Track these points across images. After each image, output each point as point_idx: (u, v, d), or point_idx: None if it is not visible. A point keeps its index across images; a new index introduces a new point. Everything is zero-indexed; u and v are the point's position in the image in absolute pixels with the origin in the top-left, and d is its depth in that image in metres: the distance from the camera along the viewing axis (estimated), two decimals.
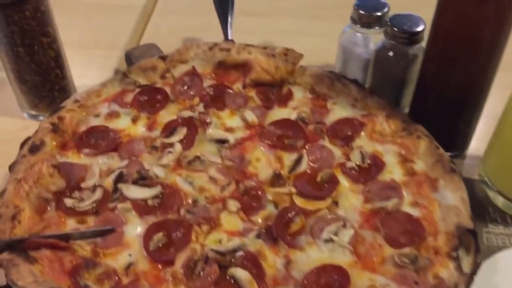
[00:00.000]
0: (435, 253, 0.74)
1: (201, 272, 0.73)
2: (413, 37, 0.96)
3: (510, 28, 0.84)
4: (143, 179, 0.85)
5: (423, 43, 0.97)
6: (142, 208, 0.82)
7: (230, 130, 0.95)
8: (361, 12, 1.01)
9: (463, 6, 0.82)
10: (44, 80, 1.01)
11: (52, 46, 0.98)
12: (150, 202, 0.82)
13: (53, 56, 0.99)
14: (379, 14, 1.01)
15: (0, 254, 0.72)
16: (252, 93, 1.02)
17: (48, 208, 0.81)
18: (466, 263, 0.72)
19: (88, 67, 1.20)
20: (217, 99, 1.00)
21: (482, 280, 0.75)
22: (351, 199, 0.83)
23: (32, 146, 0.87)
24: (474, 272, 0.71)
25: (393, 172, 0.86)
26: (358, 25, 1.03)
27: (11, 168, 0.84)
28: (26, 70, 0.98)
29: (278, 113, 0.98)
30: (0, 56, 0.98)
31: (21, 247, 0.73)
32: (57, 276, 0.71)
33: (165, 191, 0.84)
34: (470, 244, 0.74)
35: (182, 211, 0.81)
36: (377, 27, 1.02)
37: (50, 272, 0.71)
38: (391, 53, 0.99)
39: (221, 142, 0.92)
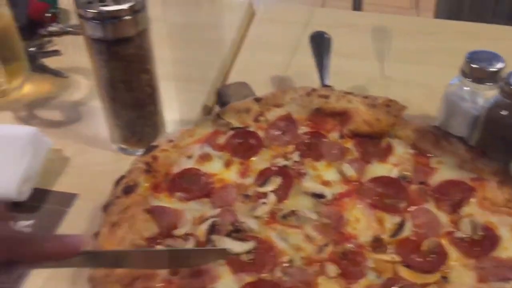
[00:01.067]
0: None
1: None
2: None
3: None
4: (237, 232, 0.81)
5: None
6: (235, 263, 0.78)
7: (326, 183, 0.90)
8: (474, 66, 0.94)
9: None
10: (139, 116, 1.00)
11: (150, 83, 0.97)
12: (243, 257, 0.78)
13: (149, 93, 0.98)
14: (494, 69, 0.93)
15: None
16: (350, 144, 0.96)
17: None
18: None
19: (176, 101, 1.19)
20: (313, 148, 0.96)
21: None
22: (462, 275, 0.76)
23: (126, 187, 0.85)
24: None
25: (510, 248, 0.78)
26: (469, 79, 0.96)
27: (105, 209, 0.83)
28: (123, 106, 0.97)
29: (378, 168, 0.92)
30: (99, 89, 0.98)
31: None
32: None
33: (259, 246, 0.80)
34: None
35: (278, 272, 0.76)
36: (489, 83, 0.95)
37: None
38: (505, 112, 0.91)
39: (318, 196, 0.87)
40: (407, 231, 0.82)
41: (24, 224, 0.92)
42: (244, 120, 1.00)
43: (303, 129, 0.99)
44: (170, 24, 1.44)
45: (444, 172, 0.91)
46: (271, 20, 1.48)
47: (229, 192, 0.88)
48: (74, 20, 1.38)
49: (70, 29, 1.37)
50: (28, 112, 1.16)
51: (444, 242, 0.80)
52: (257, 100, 1.02)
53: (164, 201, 0.86)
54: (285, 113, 1.00)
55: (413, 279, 0.75)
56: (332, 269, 0.77)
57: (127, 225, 0.78)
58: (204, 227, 0.81)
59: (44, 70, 1.26)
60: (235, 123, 1.00)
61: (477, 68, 0.95)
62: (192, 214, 0.84)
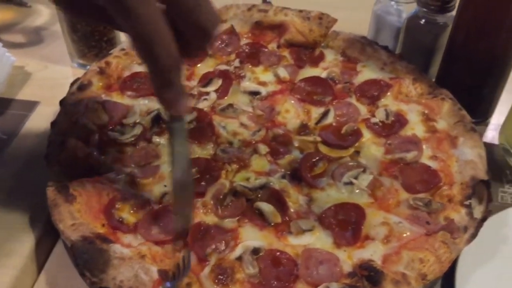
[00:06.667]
0: (448, 201, 0.78)
1: (230, 204, 0.79)
2: (445, 6, 1.00)
3: None
4: None
5: (454, 12, 1.00)
6: None
7: (263, 84, 1.00)
8: None
9: None
10: (94, 31, 1.09)
11: None
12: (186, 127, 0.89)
13: None
14: None
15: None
16: (286, 52, 1.07)
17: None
18: (478, 211, 0.76)
19: None
20: (253, 56, 1.06)
21: (492, 231, 0.79)
22: (372, 150, 0.88)
23: (81, 85, 0.95)
24: (484, 218, 0.75)
25: (415, 129, 0.91)
26: None
27: (61, 103, 0.92)
28: (78, 20, 1.06)
29: (309, 72, 1.03)
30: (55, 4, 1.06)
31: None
32: (93, 215, 0.77)
33: (200, 117, 0.92)
34: (483, 194, 0.77)
35: (218, 151, 0.87)
36: None
37: (87, 211, 0.76)
38: (422, 21, 1.03)
39: (254, 94, 0.98)
40: (330, 119, 0.93)
41: None
42: None
43: (244, 41, 1.09)
44: None
45: (367, 73, 1.02)
46: None
47: None
48: None
49: None
50: None
51: (361, 126, 0.92)
52: None
53: (116, 98, 0.96)
54: (228, 27, 1.09)
55: (330, 153, 0.87)
56: (262, 148, 0.88)
57: (80, 113, 0.88)
58: (150, 116, 0.92)
59: (8, 0, 1.34)
60: None
61: None
62: (140, 108, 0.94)
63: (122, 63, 1.01)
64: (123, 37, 1.17)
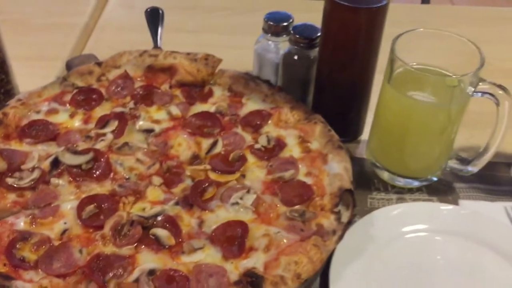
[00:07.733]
0: (321, 210, 0.90)
1: (127, 233, 0.86)
2: (312, 42, 1.15)
3: (380, 35, 1.04)
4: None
5: None
6: (77, 174, 0.96)
7: (156, 122, 1.09)
8: (270, 23, 1.19)
9: (342, 15, 1.02)
10: None
11: None
12: (84, 167, 0.96)
13: None
14: (285, 24, 1.19)
15: None
16: (178, 92, 1.17)
17: None
18: (345, 216, 0.88)
19: (32, 77, 1.32)
20: (146, 98, 1.15)
21: (361, 231, 0.92)
22: (256, 172, 0.99)
23: None
24: (350, 222, 0.88)
25: (293, 150, 1.03)
26: (269, 34, 1.21)
27: None
28: None
29: (199, 108, 1.14)
30: None
31: None
32: None
33: (98, 158, 0.98)
34: (349, 201, 0.90)
35: (115, 186, 0.94)
36: (284, 35, 1.21)
37: None
38: (295, 57, 1.17)
39: (148, 131, 1.07)
40: (218, 148, 1.04)
41: None
42: (88, 81, 1.17)
43: (138, 84, 1.18)
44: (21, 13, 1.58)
45: (251, 105, 1.14)
46: (121, 5, 1.67)
47: (73, 135, 1.05)
48: None
49: None
50: None
51: (246, 152, 1.03)
52: (99, 64, 1.20)
53: (15, 146, 1.01)
54: (122, 72, 1.18)
55: (219, 179, 0.97)
56: (157, 180, 0.97)
57: None
58: (48, 160, 0.97)
59: None
60: (80, 83, 1.16)
61: (273, 25, 1.20)
62: (39, 153, 1.00)
63: (19, 113, 1.06)
64: (21, 88, 1.22)
